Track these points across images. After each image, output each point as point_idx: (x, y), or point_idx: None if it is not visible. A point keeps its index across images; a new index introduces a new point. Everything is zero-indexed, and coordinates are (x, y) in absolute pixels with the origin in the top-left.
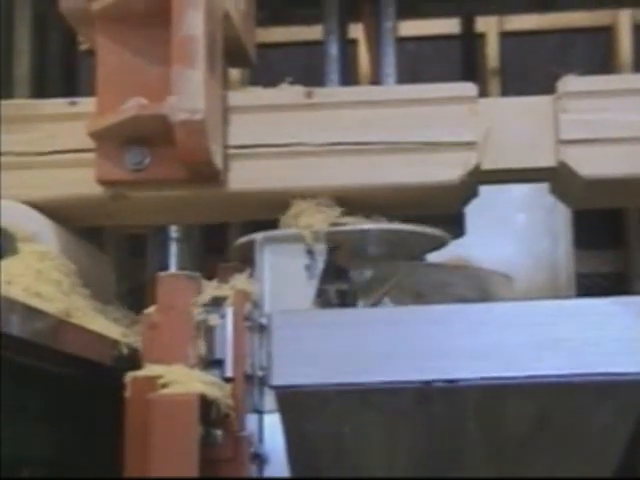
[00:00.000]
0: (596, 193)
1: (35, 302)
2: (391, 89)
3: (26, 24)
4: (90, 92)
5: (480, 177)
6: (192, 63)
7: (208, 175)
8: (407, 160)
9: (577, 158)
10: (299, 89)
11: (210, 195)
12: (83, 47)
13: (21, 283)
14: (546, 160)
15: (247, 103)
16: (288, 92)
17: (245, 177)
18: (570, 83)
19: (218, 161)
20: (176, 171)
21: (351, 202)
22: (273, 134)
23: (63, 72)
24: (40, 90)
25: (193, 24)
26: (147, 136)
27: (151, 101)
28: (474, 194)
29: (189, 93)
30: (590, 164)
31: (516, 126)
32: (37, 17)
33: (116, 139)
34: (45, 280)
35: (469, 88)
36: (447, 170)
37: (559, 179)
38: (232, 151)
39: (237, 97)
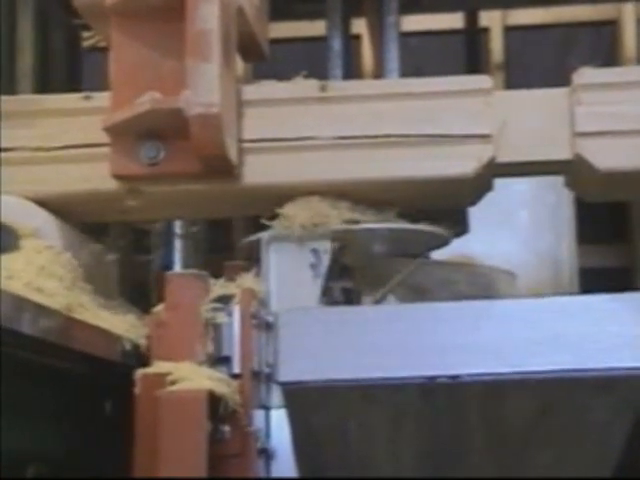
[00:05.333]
0: (612, 186)
1: (36, 297)
2: (406, 82)
3: (29, 20)
4: (93, 89)
5: (495, 170)
6: (207, 57)
7: (223, 169)
8: (422, 153)
9: (593, 150)
10: (313, 83)
11: (225, 189)
12: (86, 44)
13: (22, 278)
14: (562, 153)
15: (261, 97)
16: (302, 86)
17: (259, 171)
18: (585, 75)
19: (233, 155)
20: (191, 165)
21: (365, 196)
22: (287, 128)
23: (66, 69)
24: (43, 87)
25: (207, 18)
26: (162, 130)
27: (166, 95)
28: (489, 188)
29: (204, 87)
30: (606, 156)
31: (531, 119)
32: (39, 13)
33: (131, 134)
34: (47, 275)
35: (484, 80)
36: (462, 163)
37: (575, 172)
38: (246, 145)
39: (251, 91)
